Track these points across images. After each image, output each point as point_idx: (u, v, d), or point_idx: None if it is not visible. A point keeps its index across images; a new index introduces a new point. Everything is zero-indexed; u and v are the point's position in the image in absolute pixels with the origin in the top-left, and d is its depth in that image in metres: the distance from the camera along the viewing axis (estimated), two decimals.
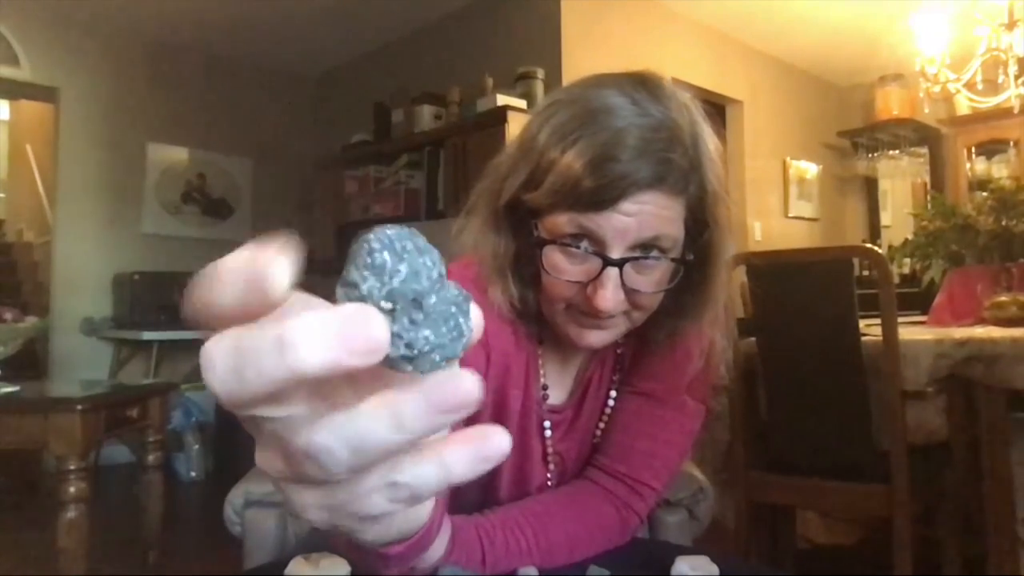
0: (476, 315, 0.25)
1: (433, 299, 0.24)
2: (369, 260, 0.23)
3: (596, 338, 0.67)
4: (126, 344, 4.19)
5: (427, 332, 0.23)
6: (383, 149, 3.93)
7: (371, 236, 0.24)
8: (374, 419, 0.23)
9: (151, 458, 2.24)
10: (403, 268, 0.23)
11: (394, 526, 0.35)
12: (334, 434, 0.23)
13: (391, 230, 0.24)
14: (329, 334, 0.21)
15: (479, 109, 3.32)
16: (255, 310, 0.22)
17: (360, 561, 0.39)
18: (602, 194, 0.59)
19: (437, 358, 0.24)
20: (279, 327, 0.21)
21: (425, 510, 0.37)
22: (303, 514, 0.28)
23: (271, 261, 0.22)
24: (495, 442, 0.26)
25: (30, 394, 1.97)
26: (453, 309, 0.24)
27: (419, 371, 0.23)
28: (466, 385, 0.24)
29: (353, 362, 0.21)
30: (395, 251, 0.23)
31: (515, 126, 3.05)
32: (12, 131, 6.63)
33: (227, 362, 0.22)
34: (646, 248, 0.63)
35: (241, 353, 0.22)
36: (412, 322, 0.23)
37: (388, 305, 0.23)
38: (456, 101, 3.61)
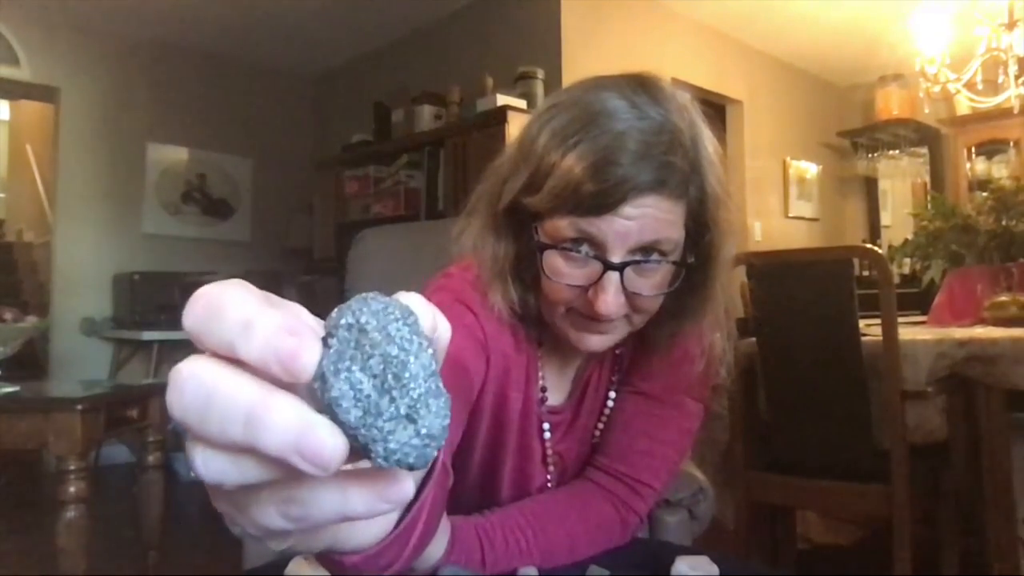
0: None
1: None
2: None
3: (597, 341, 0.67)
4: (126, 344, 4.19)
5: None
6: (383, 149, 3.93)
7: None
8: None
9: (151, 458, 2.23)
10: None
11: (319, 541, 0.30)
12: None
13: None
14: (291, 439, 0.22)
15: (479, 109, 3.32)
16: (274, 379, 0.23)
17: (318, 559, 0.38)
18: (603, 198, 0.59)
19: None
20: (256, 395, 0.22)
21: (372, 529, 0.33)
22: (214, 502, 0.27)
23: (303, 350, 0.22)
24: (398, 487, 0.25)
25: (30, 394, 1.96)
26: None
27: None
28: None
29: (304, 467, 0.22)
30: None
31: (515, 126, 3.05)
32: (12, 131, 6.63)
33: (197, 397, 0.22)
34: (646, 251, 0.62)
35: (212, 399, 0.22)
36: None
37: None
38: (456, 101, 3.61)
